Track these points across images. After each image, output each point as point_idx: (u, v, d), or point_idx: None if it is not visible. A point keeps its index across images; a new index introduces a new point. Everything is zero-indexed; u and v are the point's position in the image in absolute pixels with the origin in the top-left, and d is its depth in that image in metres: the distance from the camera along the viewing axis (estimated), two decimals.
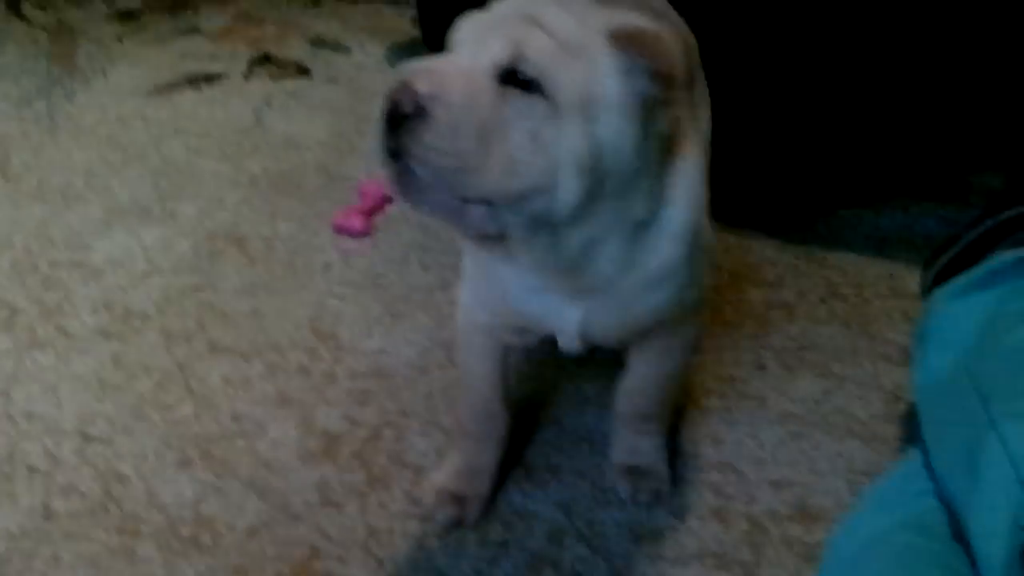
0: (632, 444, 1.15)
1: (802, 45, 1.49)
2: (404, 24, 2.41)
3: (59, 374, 1.30)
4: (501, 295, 0.98)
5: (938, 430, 1.01)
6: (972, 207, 1.61)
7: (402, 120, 0.76)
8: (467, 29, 0.83)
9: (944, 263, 1.22)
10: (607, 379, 1.29)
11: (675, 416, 1.23)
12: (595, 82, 0.79)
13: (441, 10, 2.13)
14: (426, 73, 0.78)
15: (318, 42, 2.32)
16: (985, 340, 1.02)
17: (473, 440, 1.13)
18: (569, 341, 0.98)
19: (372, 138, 0.79)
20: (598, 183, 0.81)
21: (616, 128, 0.81)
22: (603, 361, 1.32)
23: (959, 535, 0.91)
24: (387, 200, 1.67)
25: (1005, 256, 1.09)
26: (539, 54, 0.78)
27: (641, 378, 1.11)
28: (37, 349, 1.34)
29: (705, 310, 1.09)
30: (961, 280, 1.11)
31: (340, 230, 1.59)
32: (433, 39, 2.18)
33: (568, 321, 0.96)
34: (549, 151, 0.78)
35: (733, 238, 1.56)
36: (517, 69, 0.78)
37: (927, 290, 1.23)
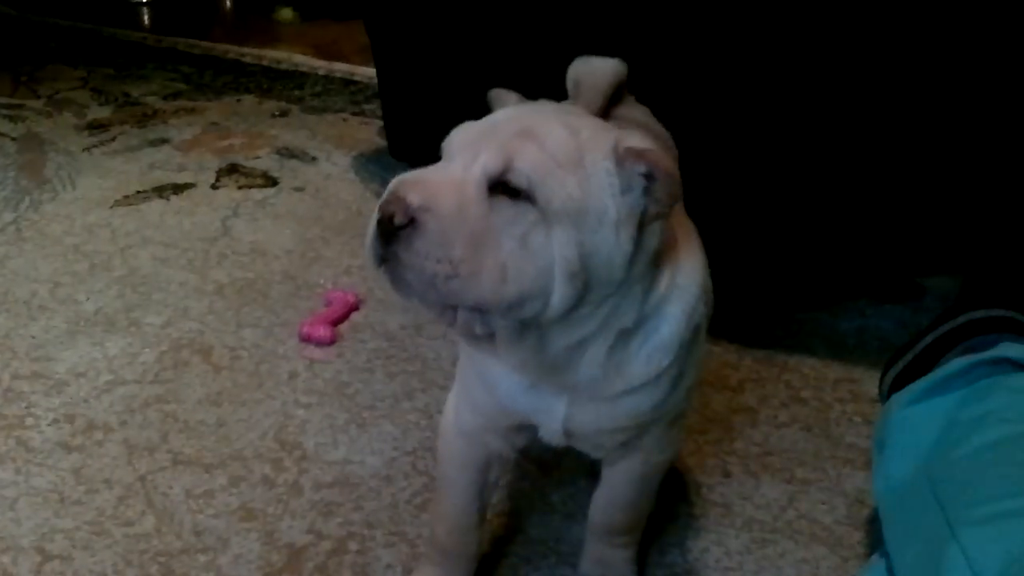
0: (602, 556, 1.14)
1: (758, 156, 1.54)
2: (370, 134, 2.46)
3: (18, 489, 1.28)
4: (490, 391, 0.99)
5: (900, 537, 1.02)
6: (927, 310, 1.65)
7: (394, 230, 0.77)
8: (460, 139, 0.86)
9: (901, 368, 1.25)
10: (572, 487, 1.29)
11: (640, 533, 1.23)
12: (590, 195, 0.81)
13: (407, 121, 2.18)
14: (417, 184, 0.79)
15: (285, 152, 2.36)
16: (942, 447, 1.04)
17: (444, 555, 1.12)
18: (554, 435, 0.98)
19: (365, 244, 0.80)
20: (587, 289, 0.83)
21: (609, 240, 0.82)
22: (569, 468, 1.32)
23: None
24: (353, 308, 1.68)
25: (959, 361, 1.11)
26: (529, 165, 0.79)
27: (615, 489, 1.09)
28: None
29: (683, 424, 1.09)
30: (918, 386, 1.13)
31: (306, 339, 1.60)
32: (399, 149, 2.23)
33: (554, 416, 0.96)
34: (539, 258, 0.80)
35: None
36: (506, 179, 0.80)
37: (885, 396, 1.26)
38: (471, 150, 0.82)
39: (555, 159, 0.81)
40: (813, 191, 1.56)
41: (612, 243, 0.82)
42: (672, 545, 1.21)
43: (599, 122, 0.90)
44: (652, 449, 1.03)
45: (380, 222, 0.79)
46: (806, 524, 1.24)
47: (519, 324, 0.84)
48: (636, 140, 0.85)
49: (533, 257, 0.79)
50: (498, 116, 0.88)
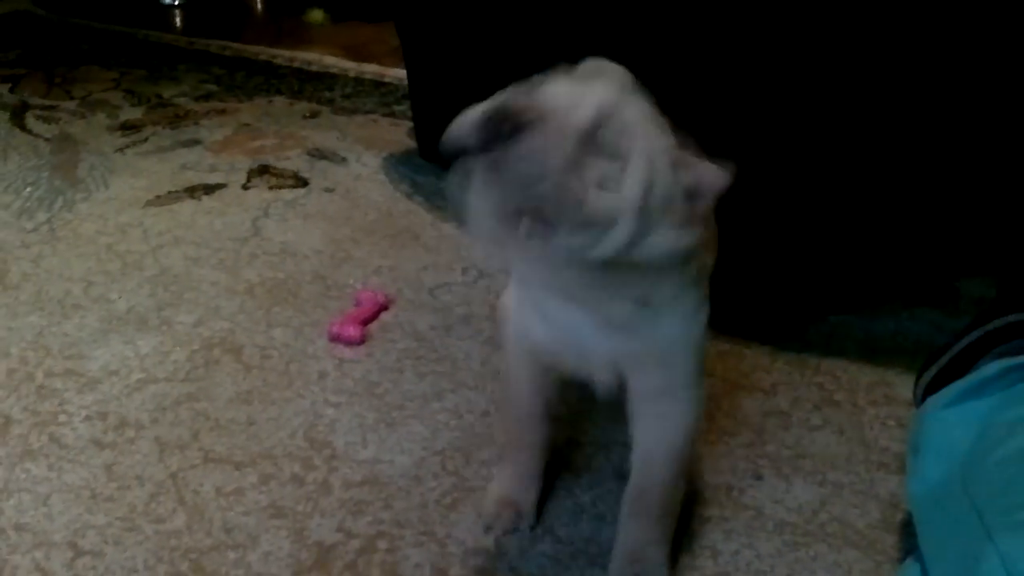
0: (635, 553, 1.14)
1: (792, 157, 1.52)
2: (400, 135, 2.47)
3: (51, 485, 1.29)
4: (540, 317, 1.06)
5: (935, 542, 1.00)
6: (962, 313, 1.63)
7: (518, 124, 0.81)
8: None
9: (936, 372, 1.23)
10: (602, 488, 1.29)
11: (673, 527, 1.22)
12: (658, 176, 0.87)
13: (437, 122, 2.18)
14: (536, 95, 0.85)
15: (316, 153, 2.36)
16: (978, 450, 1.03)
17: (517, 450, 1.23)
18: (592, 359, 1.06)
19: (462, 125, 0.86)
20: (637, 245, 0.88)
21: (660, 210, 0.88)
22: (598, 468, 1.32)
23: None
24: (382, 308, 1.69)
25: (995, 365, 1.10)
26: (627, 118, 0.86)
27: (649, 461, 1.13)
28: (29, 459, 1.33)
29: (703, 383, 1.12)
30: (953, 389, 1.11)
31: (335, 338, 1.60)
32: (429, 150, 2.23)
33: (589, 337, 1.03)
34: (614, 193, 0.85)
35: (726, 345, 1.57)
36: (603, 128, 0.84)
37: (920, 399, 1.24)
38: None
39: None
40: (846, 192, 1.55)
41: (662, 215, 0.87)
42: (704, 548, 1.20)
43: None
44: (678, 411, 1.09)
45: (500, 114, 0.82)
46: (839, 527, 1.23)
47: (570, 252, 0.87)
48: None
49: (611, 192, 0.84)
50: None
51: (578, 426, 1.40)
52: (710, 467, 1.33)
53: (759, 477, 1.31)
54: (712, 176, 0.90)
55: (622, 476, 1.30)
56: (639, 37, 1.51)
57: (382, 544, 1.20)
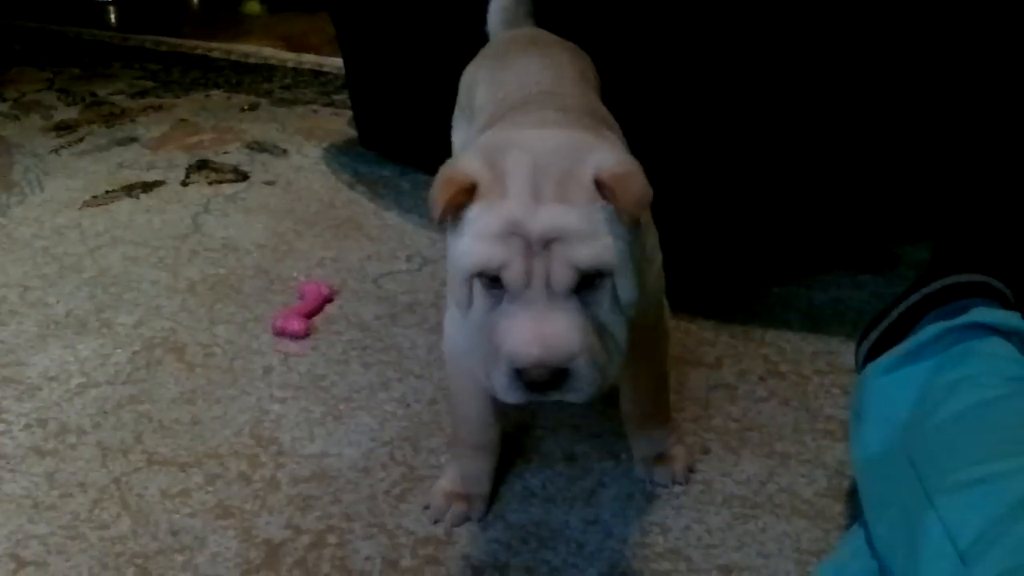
0: (649, 438, 1.27)
1: (729, 130, 1.53)
2: (341, 125, 2.45)
3: None
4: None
5: (877, 506, 1.01)
6: (903, 279, 1.64)
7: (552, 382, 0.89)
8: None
9: (875, 338, 1.24)
10: (551, 471, 1.28)
11: (622, 503, 1.22)
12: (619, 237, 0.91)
13: (376, 110, 2.17)
14: (543, 343, 0.88)
15: (255, 146, 2.34)
16: (917, 414, 1.04)
17: (470, 449, 1.22)
18: None
19: (502, 385, 0.92)
20: None
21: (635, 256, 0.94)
22: (548, 452, 1.31)
23: None
24: (327, 300, 1.67)
25: (933, 328, 1.11)
26: (588, 261, 0.89)
27: (635, 381, 1.23)
28: None
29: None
30: (892, 354, 1.12)
31: (280, 333, 1.58)
32: (369, 139, 2.21)
33: None
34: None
35: (671, 322, 1.57)
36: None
37: (860, 365, 1.25)
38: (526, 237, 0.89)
39: (594, 231, 0.89)
40: (785, 164, 1.56)
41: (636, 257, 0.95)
42: (653, 524, 1.20)
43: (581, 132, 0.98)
44: (648, 342, 1.18)
45: (533, 382, 0.89)
46: (787, 498, 1.23)
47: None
48: (604, 163, 0.91)
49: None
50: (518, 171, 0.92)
51: (526, 411, 1.39)
52: None
53: (707, 451, 1.32)
54: (640, 191, 0.90)
55: (570, 459, 1.30)
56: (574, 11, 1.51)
57: (332, 539, 1.19)
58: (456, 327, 1.13)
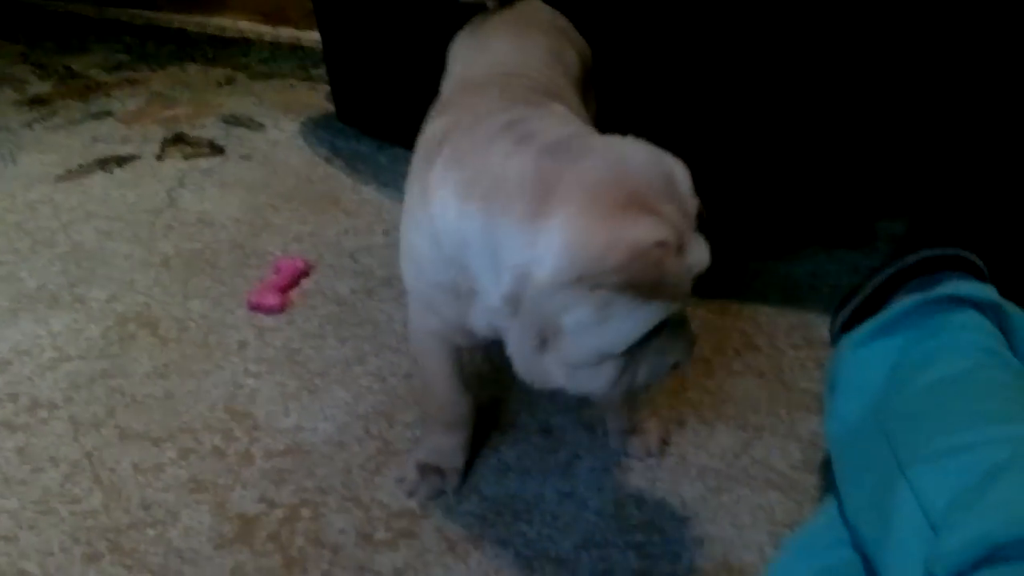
0: (624, 410, 1.26)
1: (705, 105, 1.52)
2: (318, 99, 2.43)
3: None
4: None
5: (850, 477, 1.01)
6: (880, 253, 1.64)
7: None
8: None
9: (850, 311, 1.24)
10: (526, 444, 1.28)
11: (597, 476, 1.22)
12: None
13: (353, 85, 2.14)
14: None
15: (232, 120, 2.31)
16: (891, 386, 1.04)
17: (442, 424, 1.21)
18: None
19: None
20: None
21: None
22: (523, 425, 1.31)
23: None
24: (303, 274, 1.66)
25: (907, 301, 1.11)
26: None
27: None
28: None
29: None
30: (866, 327, 1.12)
31: (255, 307, 1.57)
32: (347, 113, 2.19)
33: None
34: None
35: None
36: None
37: (835, 338, 1.25)
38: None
39: None
40: (762, 140, 1.55)
41: None
42: (628, 496, 1.20)
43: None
44: None
45: None
46: (761, 470, 1.24)
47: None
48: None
49: None
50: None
51: (501, 383, 1.39)
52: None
53: (682, 424, 1.32)
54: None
55: (546, 431, 1.30)
56: None
57: (306, 512, 1.18)
58: (424, 314, 1.09)
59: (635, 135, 0.95)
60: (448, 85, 1.28)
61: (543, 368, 0.93)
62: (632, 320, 0.87)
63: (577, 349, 0.89)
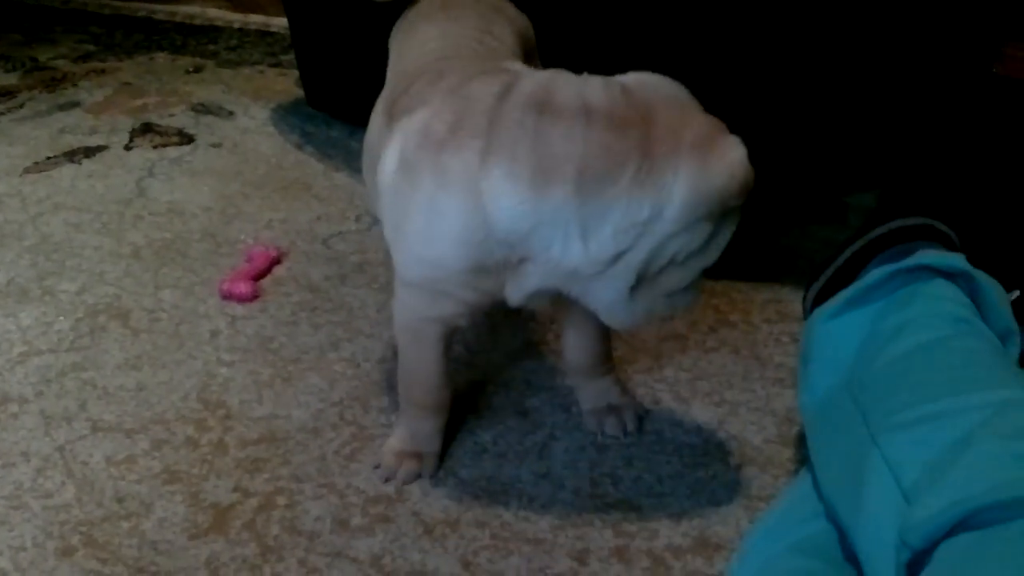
0: (597, 388, 1.27)
1: (682, 74, 1.51)
2: (288, 85, 2.40)
3: None
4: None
5: (823, 451, 1.02)
6: (851, 227, 1.64)
7: None
8: None
9: (822, 284, 1.24)
10: (503, 426, 1.28)
11: (573, 456, 1.22)
12: None
13: (322, 70, 2.13)
14: None
15: (201, 108, 2.29)
16: (863, 357, 1.04)
17: (421, 410, 1.21)
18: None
19: None
20: None
21: None
22: (500, 408, 1.31)
23: (851, 556, 0.92)
24: (275, 262, 1.64)
25: (878, 272, 1.11)
26: None
27: (578, 329, 1.24)
28: None
29: None
30: (838, 299, 1.12)
31: (227, 296, 1.56)
32: (317, 99, 2.18)
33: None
34: None
35: None
36: None
37: (808, 311, 1.25)
38: None
39: None
40: (735, 115, 1.54)
41: None
42: (604, 475, 1.20)
43: None
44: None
45: None
46: (736, 445, 1.24)
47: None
48: None
49: None
50: None
51: (476, 366, 1.38)
52: None
53: (657, 402, 1.32)
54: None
55: (522, 413, 1.30)
56: None
57: (281, 500, 1.18)
58: (414, 292, 1.10)
59: None
60: (389, 78, 1.27)
61: (632, 307, 1.02)
62: (726, 233, 1.02)
63: (683, 275, 1.01)
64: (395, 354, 1.38)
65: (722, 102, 1.52)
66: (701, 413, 1.29)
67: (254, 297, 1.56)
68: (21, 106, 2.34)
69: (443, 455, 1.23)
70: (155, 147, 2.10)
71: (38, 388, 1.37)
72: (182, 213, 1.83)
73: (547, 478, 1.20)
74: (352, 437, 1.27)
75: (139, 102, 2.34)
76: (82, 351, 1.45)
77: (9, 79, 2.53)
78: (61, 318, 1.52)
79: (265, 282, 1.60)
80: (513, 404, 1.32)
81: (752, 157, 1.57)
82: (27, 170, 2.01)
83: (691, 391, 1.33)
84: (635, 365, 1.38)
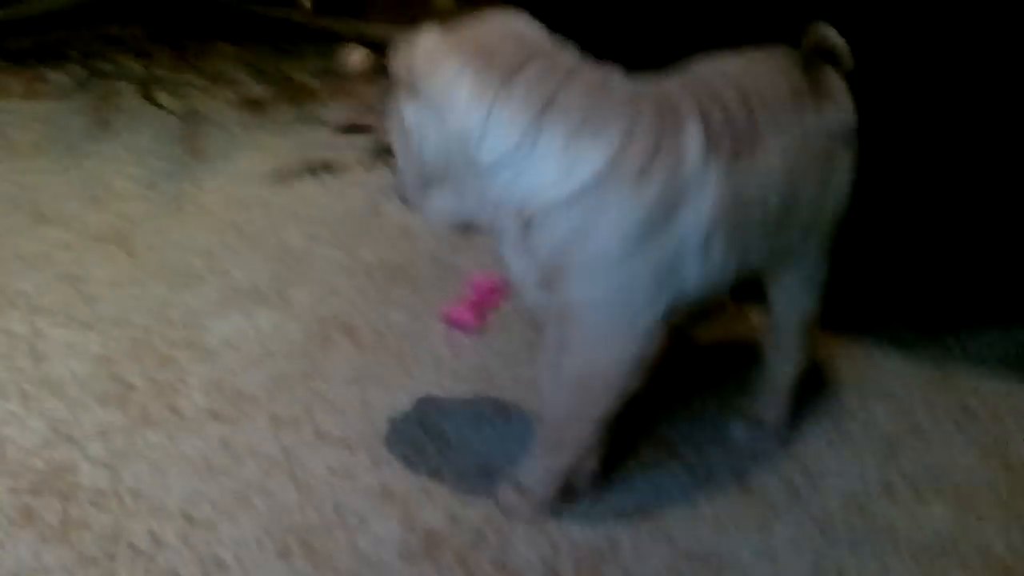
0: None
1: (941, 145, 1.44)
2: None
3: (168, 454, 1.29)
4: None
5: None
6: None
7: None
8: None
9: None
10: (723, 497, 1.23)
11: (796, 536, 1.16)
12: None
13: None
14: None
15: None
16: None
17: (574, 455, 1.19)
18: None
19: None
20: None
21: None
22: (720, 478, 1.27)
23: None
24: (499, 294, 1.66)
25: None
26: None
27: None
28: (149, 427, 1.34)
29: None
30: None
31: (452, 324, 1.58)
32: None
33: None
34: None
35: (855, 349, 1.50)
36: None
37: None
38: None
39: None
40: (1001, 192, 1.46)
41: None
42: (829, 564, 1.14)
43: None
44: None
45: None
46: (977, 552, 1.15)
47: None
48: None
49: None
50: None
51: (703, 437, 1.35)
52: (839, 480, 1.26)
53: (891, 491, 1.24)
54: None
55: (746, 485, 1.25)
56: None
57: (492, 536, 1.17)
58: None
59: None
60: None
61: None
62: None
63: None
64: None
65: (976, 182, 1.44)
66: (940, 511, 1.21)
67: (477, 327, 1.57)
68: (269, 117, 2.47)
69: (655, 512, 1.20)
70: (391, 169, 2.15)
71: (270, 390, 1.42)
72: (412, 236, 1.87)
73: (767, 557, 1.14)
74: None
75: (379, 124, 2.42)
76: (311, 360, 1.50)
77: (259, 90, 2.67)
78: (294, 326, 1.58)
79: (489, 314, 1.61)
80: (736, 475, 1.27)
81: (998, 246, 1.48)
82: (271, 179, 2.11)
83: (929, 487, 1.25)
84: (868, 448, 1.31)
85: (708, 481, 1.26)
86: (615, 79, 1.05)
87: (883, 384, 1.44)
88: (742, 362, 1.43)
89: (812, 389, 1.41)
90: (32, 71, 2.67)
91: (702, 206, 1.02)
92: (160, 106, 2.50)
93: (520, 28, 1.08)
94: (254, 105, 2.56)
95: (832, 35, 1.15)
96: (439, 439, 1.33)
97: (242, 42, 3.10)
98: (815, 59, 1.15)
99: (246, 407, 1.39)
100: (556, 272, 1.05)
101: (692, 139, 1.01)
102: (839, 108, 1.17)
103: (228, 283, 1.70)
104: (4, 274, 1.68)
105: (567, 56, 1.05)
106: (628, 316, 1.05)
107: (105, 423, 1.34)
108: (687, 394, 1.42)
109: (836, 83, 1.18)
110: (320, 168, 2.17)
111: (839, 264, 1.50)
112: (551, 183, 1.01)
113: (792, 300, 1.25)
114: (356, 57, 2.89)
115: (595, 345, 1.08)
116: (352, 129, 2.38)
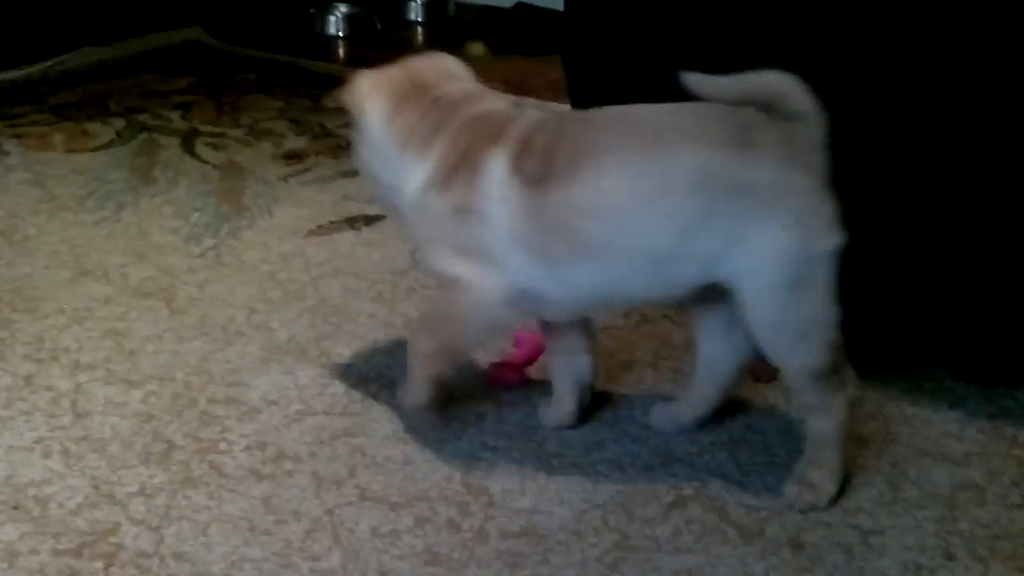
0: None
1: (995, 195, 1.42)
2: None
3: (210, 514, 1.28)
4: None
5: None
6: None
7: None
8: None
9: None
10: (777, 559, 1.20)
11: None
12: None
13: None
14: None
15: None
16: None
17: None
18: None
19: None
20: None
21: None
22: (772, 537, 1.24)
23: None
24: (542, 350, 1.64)
25: None
26: None
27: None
28: (190, 487, 1.33)
29: None
30: None
31: (494, 381, 1.57)
32: None
33: None
34: None
35: (912, 409, 1.46)
36: None
37: None
38: None
39: None
40: None
41: None
42: None
43: None
44: None
45: None
46: None
47: None
48: None
49: None
50: None
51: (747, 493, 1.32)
52: (895, 540, 1.23)
53: (951, 557, 1.20)
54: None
55: (798, 546, 1.22)
56: None
57: None
58: None
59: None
60: None
61: None
62: None
63: None
64: (662, 463, 1.34)
65: None
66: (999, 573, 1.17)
67: (521, 384, 1.56)
68: (308, 170, 2.48)
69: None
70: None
71: (312, 448, 1.41)
72: None
73: None
74: (615, 545, 1.23)
75: None
76: (353, 417, 1.49)
77: (298, 143, 2.69)
78: (336, 381, 1.57)
79: (532, 370, 1.59)
80: (788, 534, 1.24)
81: None
82: (311, 232, 2.11)
83: (990, 550, 1.21)
84: (925, 511, 1.27)
85: (759, 540, 1.23)
86: (489, 108, 1.35)
87: (938, 443, 1.40)
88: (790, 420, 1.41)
89: (863, 445, 1.38)
90: (73, 124, 2.71)
91: (501, 213, 1.26)
92: (201, 159, 2.52)
93: (437, 66, 1.43)
94: (294, 158, 2.57)
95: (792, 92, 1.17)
96: (483, 499, 1.31)
97: (281, 94, 3.14)
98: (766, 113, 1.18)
99: (288, 465, 1.38)
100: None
101: (495, 161, 1.26)
102: (764, 162, 1.17)
103: (268, 338, 1.69)
104: (47, 329, 1.70)
105: (459, 90, 1.38)
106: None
107: (147, 482, 1.34)
108: (735, 449, 1.40)
109: (772, 138, 1.17)
110: (360, 221, 2.17)
111: (889, 318, 1.48)
112: (408, 187, 1.35)
113: (722, 338, 1.37)
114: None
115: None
116: None
